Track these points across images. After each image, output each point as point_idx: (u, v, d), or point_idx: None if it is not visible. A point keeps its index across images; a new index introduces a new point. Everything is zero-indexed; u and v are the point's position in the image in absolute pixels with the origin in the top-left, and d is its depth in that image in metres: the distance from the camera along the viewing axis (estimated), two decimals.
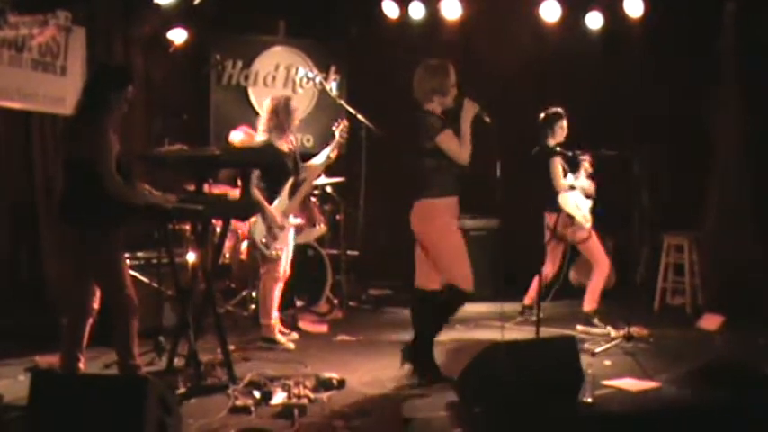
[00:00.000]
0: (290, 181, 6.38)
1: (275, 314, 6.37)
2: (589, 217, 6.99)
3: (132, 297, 4.93)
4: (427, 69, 5.48)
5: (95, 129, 4.71)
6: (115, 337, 5.00)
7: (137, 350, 5.03)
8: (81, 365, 5.04)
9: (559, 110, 7.06)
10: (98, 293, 5.03)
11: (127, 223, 4.91)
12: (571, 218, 6.90)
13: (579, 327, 6.93)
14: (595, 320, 6.96)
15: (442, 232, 5.39)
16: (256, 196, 6.18)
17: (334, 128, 6.67)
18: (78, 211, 4.80)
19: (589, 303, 7.04)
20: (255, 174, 6.17)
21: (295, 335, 6.60)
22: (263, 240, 6.24)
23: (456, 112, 5.44)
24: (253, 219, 6.19)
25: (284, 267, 6.41)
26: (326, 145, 6.67)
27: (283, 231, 6.34)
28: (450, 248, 5.40)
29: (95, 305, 5.06)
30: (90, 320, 5.06)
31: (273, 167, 6.19)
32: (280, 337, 6.33)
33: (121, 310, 4.91)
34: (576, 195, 6.95)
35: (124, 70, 5.29)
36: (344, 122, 6.71)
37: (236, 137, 7.42)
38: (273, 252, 6.27)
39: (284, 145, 6.36)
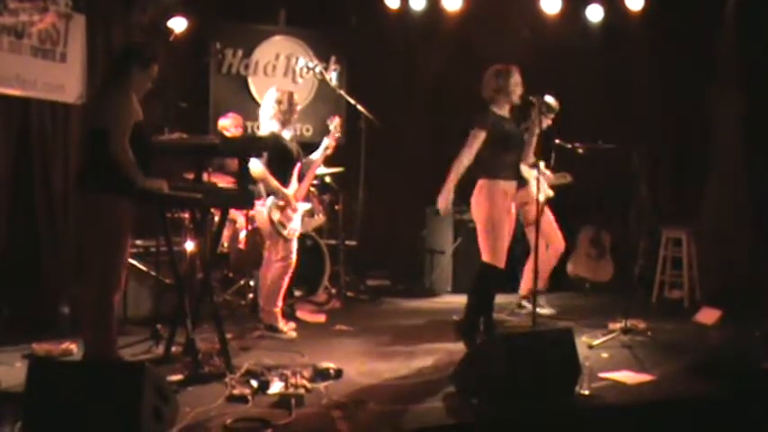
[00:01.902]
0: (298, 166, 6.41)
1: (280, 303, 6.38)
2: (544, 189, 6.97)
3: (120, 283, 4.94)
4: (493, 72, 5.97)
5: (114, 99, 4.78)
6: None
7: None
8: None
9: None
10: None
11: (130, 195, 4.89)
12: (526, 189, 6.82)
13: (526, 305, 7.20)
14: (524, 302, 7.21)
15: (489, 211, 5.85)
16: (269, 178, 6.21)
17: (328, 122, 6.70)
18: (91, 179, 4.83)
19: (527, 285, 7.23)
20: (263, 159, 6.19)
21: (292, 324, 6.60)
22: (281, 220, 6.25)
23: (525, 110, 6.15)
24: (269, 202, 6.22)
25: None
26: (324, 136, 6.70)
27: (295, 214, 6.37)
28: (487, 226, 5.87)
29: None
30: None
31: (277, 155, 6.23)
32: (282, 326, 6.34)
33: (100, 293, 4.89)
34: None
35: (151, 48, 5.27)
36: (338, 119, 6.74)
37: (225, 123, 7.45)
38: (290, 232, 6.28)
39: (287, 133, 6.39)
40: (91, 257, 4.92)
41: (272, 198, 6.23)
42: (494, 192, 5.83)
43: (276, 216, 6.24)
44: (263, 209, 6.25)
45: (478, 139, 5.81)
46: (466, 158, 5.82)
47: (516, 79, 5.94)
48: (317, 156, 6.67)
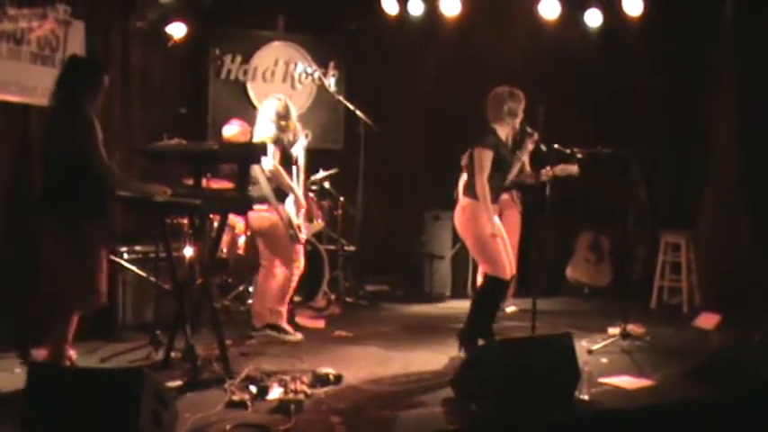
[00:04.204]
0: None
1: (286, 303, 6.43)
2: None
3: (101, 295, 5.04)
4: (507, 93, 5.88)
5: (82, 120, 4.82)
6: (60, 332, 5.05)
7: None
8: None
9: None
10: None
11: (113, 210, 4.95)
12: None
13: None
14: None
15: (478, 230, 5.81)
16: (286, 180, 6.23)
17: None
18: (64, 199, 4.88)
19: None
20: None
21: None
22: (299, 224, 6.30)
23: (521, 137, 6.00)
24: (288, 205, 6.28)
25: None
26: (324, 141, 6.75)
27: (300, 215, 6.43)
28: (481, 245, 5.87)
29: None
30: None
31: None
32: (286, 326, 6.35)
33: (74, 306, 5.01)
34: None
35: (96, 61, 5.31)
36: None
37: (230, 131, 7.40)
38: (305, 235, 6.37)
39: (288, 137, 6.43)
40: (74, 274, 4.98)
41: (290, 201, 6.26)
42: (477, 212, 5.77)
43: (295, 218, 6.29)
44: (268, 214, 6.25)
45: (487, 158, 5.72)
46: (485, 180, 5.71)
47: (524, 105, 5.90)
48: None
